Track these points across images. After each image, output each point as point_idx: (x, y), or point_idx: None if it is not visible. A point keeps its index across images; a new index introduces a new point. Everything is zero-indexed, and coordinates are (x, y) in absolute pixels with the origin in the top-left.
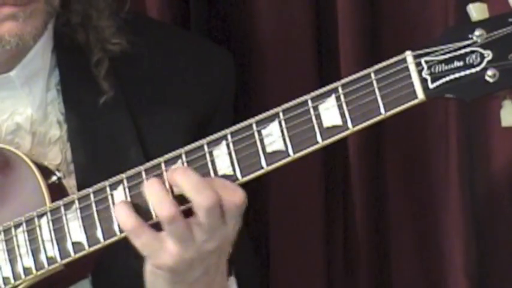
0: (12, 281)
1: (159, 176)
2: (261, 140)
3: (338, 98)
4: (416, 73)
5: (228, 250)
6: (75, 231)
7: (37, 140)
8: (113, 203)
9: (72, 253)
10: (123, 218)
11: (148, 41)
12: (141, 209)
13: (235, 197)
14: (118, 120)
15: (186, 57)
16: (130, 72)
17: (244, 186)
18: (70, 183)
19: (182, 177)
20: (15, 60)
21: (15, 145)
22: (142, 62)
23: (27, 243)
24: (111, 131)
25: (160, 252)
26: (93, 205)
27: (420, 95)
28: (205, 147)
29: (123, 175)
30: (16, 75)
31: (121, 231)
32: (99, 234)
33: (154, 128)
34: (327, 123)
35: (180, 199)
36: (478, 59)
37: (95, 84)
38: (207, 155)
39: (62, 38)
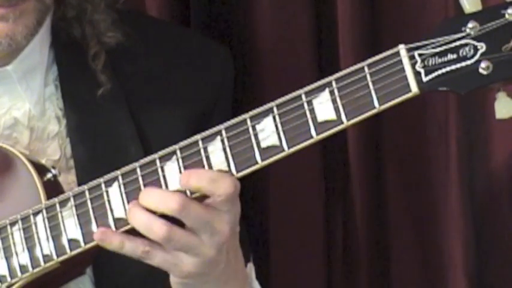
0: (8, 278)
1: (155, 172)
2: (256, 135)
3: (332, 92)
4: (410, 66)
5: (238, 230)
6: (71, 228)
7: (35, 135)
8: (108, 200)
9: (68, 250)
10: (131, 247)
11: (146, 37)
12: None
13: (228, 186)
14: (117, 115)
15: (184, 53)
16: (129, 69)
17: (244, 185)
18: (69, 178)
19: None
20: (12, 56)
21: (13, 140)
22: (140, 58)
23: (23, 240)
24: (110, 126)
25: (181, 265)
26: (89, 202)
27: (414, 88)
28: (200, 142)
29: (118, 172)
30: (13, 69)
31: (116, 227)
32: (94, 231)
33: (153, 123)
34: (321, 117)
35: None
36: (472, 52)
37: (94, 79)
38: (202, 151)
39: (59, 34)
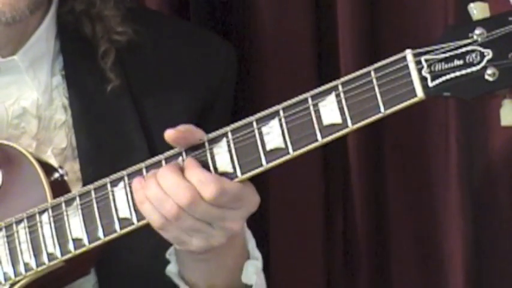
0: (12, 276)
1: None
2: (261, 138)
3: (338, 96)
4: (416, 71)
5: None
6: (76, 228)
7: (43, 124)
8: (114, 200)
9: (72, 249)
10: (149, 214)
11: (153, 30)
12: None
13: (207, 192)
14: (121, 106)
15: (188, 46)
16: (134, 60)
17: None
18: (75, 167)
19: (160, 177)
20: (18, 44)
21: (20, 130)
22: (145, 50)
23: (29, 239)
24: (114, 116)
25: (188, 245)
26: (94, 202)
27: (420, 94)
28: (206, 144)
29: (124, 172)
30: (20, 58)
31: (121, 228)
32: (99, 231)
33: (157, 114)
34: (326, 121)
35: None
36: (478, 58)
37: (99, 71)
38: (208, 152)
39: (66, 25)
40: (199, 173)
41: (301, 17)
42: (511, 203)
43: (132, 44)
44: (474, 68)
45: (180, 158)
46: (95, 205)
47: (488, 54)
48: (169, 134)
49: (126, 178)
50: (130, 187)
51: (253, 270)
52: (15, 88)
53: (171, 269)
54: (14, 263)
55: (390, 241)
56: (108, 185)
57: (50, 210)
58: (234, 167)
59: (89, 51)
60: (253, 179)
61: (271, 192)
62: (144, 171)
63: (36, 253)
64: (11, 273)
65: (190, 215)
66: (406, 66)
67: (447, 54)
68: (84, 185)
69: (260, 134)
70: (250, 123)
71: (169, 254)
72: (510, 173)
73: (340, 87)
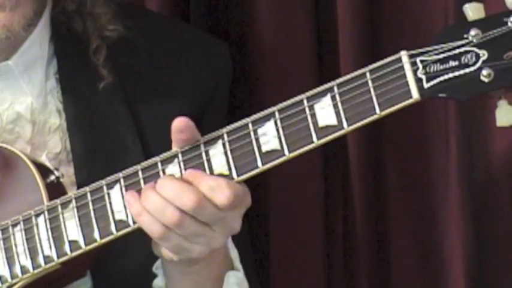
0: (9, 279)
1: (156, 175)
2: (257, 140)
3: (333, 98)
4: (411, 73)
5: None
6: (72, 230)
7: (37, 128)
8: (110, 202)
9: (68, 252)
10: (149, 226)
11: (146, 30)
12: None
13: (222, 198)
14: (115, 108)
15: (183, 47)
16: (128, 61)
17: None
18: (70, 171)
19: (160, 188)
20: (12, 50)
21: (15, 134)
22: (139, 51)
23: (25, 241)
24: (108, 119)
25: (189, 252)
26: (90, 204)
27: (415, 95)
28: (202, 146)
29: (120, 174)
30: (14, 63)
31: (117, 230)
32: (95, 233)
33: (151, 116)
34: (322, 122)
35: None
36: (474, 59)
37: (93, 72)
38: (203, 154)
39: (59, 27)
40: (209, 179)
41: (301, 18)
42: (511, 203)
43: (124, 43)
44: (469, 69)
45: (176, 160)
46: (91, 207)
47: (484, 55)
48: (181, 119)
49: (122, 180)
50: (126, 189)
51: (234, 281)
52: (9, 93)
53: (158, 283)
54: (11, 265)
55: (390, 241)
56: (104, 187)
57: (46, 213)
58: (230, 169)
59: (82, 51)
60: (253, 179)
61: (271, 192)
62: (139, 173)
63: (33, 255)
64: (7, 276)
65: (193, 219)
66: (402, 68)
67: (442, 55)
68: (78, 189)
69: (256, 135)
70: (246, 125)
71: (156, 268)
72: (510, 172)
73: (335, 89)
